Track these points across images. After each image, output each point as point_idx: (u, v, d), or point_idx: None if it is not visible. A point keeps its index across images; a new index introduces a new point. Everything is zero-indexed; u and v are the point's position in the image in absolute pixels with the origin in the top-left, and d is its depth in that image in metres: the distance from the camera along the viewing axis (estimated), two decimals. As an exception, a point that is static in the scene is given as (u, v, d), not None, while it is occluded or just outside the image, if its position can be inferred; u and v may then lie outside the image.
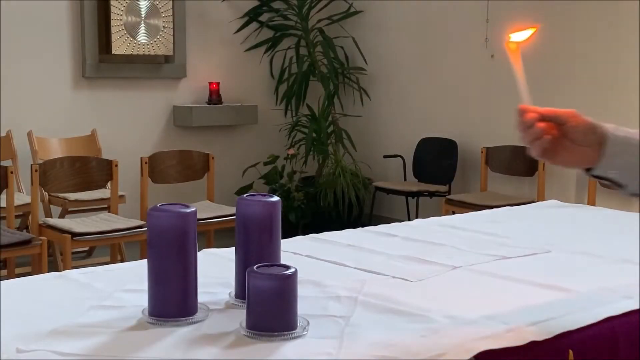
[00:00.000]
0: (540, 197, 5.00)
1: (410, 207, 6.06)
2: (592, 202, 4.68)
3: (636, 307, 1.72)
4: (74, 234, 4.07)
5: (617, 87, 4.95)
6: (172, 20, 5.86)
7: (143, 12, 5.74)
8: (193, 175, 4.87)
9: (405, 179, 6.10)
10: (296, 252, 2.19)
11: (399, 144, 6.23)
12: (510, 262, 2.14)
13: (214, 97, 6.13)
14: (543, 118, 1.43)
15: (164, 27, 5.82)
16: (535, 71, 5.34)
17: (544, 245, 2.31)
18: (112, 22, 5.60)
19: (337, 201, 6.02)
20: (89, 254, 5.20)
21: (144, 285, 1.61)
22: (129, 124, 5.85)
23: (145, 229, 1.73)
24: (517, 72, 1.48)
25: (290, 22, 6.38)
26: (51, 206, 4.98)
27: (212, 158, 4.85)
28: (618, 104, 4.89)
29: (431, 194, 5.79)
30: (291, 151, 6.19)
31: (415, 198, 5.88)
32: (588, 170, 1.47)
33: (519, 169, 5.34)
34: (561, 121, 1.43)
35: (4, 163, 4.67)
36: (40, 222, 4.23)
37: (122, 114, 5.82)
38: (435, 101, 6.06)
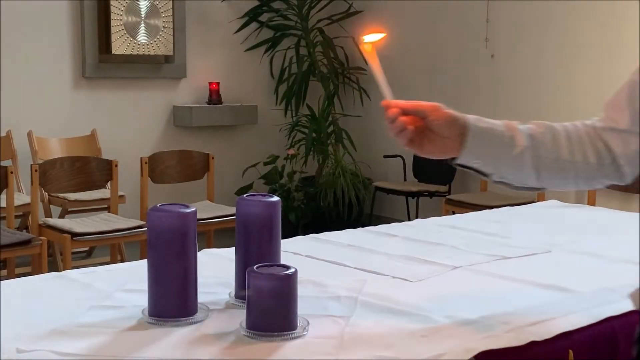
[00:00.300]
0: (540, 197, 4.99)
1: (410, 207, 6.06)
2: (592, 202, 4.68)
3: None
4: (74, 234, 4.07)
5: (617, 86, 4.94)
6: (172, 20, 5.86)
7: (143, 12, 5.74)
8: (193, 175, 4.87)
9: (405, 179, 6.10)
10: (296, 252, 2.19)
11: (398, 144, 6.22)
12: (510, 262, 2.14)
13: (214, 97, 6.13)
14: (405, 112, 1.51)
15: (164, 27, 5.82)
16: (535, 71, 5.35)
17: (544, 245, 2.31)
18: (112, 22, 5.60)
19: (337, 201, 6.02)
20: (89, 254, 5.20)
21: (144, 285, 1.61)
22: (129, 124, 5.85)
23: (145, 229, 1.73)
24: (375, 70, 1.55)
25: (290, 22, 6.38)
26: (51, 206, 4.98)
27: (212, 158, 4.85)
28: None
29: (431, 194, 5.79)
30: (291, 151, 6.18)
31: (415, 198, 5.88)
32: (453, 159, 1.52)
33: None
34: (423, 115, 1.52)
35: (4, 163, 4.68)
36: (40, 222, 4.23)
37: (122, 114, 5.82)
38: (435, 101, 6.03)
